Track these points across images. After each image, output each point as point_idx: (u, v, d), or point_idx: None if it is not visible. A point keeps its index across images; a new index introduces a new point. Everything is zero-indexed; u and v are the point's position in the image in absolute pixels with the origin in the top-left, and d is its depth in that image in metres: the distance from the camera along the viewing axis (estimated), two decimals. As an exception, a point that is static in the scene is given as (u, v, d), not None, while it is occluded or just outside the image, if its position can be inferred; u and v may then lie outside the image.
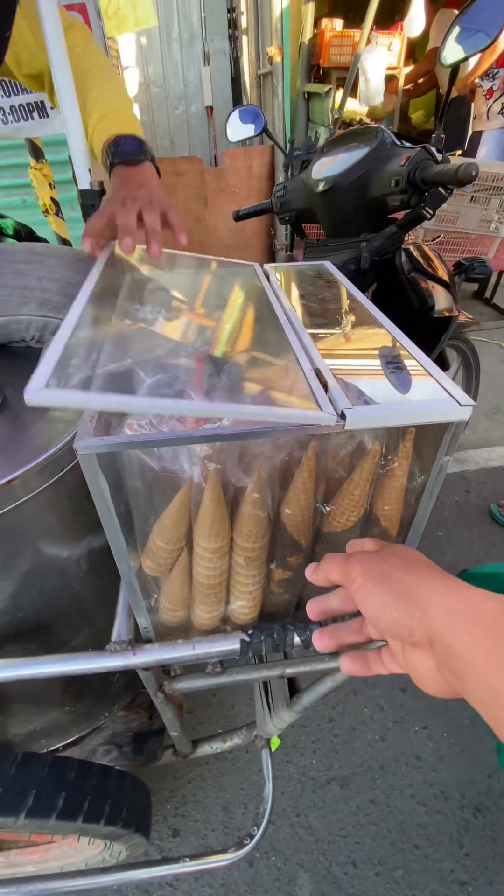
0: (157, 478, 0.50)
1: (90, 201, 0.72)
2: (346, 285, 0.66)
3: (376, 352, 0.48)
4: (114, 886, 0.86)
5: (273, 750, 0.95)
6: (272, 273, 0.70)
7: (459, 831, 1.02)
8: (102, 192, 0.72)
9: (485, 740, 1.16)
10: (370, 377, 0.43)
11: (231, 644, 0.58)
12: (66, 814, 0.64)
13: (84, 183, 0.72)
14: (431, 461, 0.47)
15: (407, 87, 2.95)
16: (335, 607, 0.38)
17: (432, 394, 0.40)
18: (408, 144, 0.97)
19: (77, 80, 0.68)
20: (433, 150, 0.89)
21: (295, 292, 0.67)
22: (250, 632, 0.59)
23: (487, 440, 2.11)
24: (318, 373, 0.42)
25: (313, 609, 0.39)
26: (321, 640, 0.39)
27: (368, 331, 0.54)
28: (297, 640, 0.58)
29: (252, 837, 0.77)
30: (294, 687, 0.84)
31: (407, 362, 0.46)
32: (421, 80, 2.94)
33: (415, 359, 0.45)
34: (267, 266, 0.71)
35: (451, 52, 0.84)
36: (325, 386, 0.40)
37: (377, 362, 0.46)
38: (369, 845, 1.01)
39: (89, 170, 0.71)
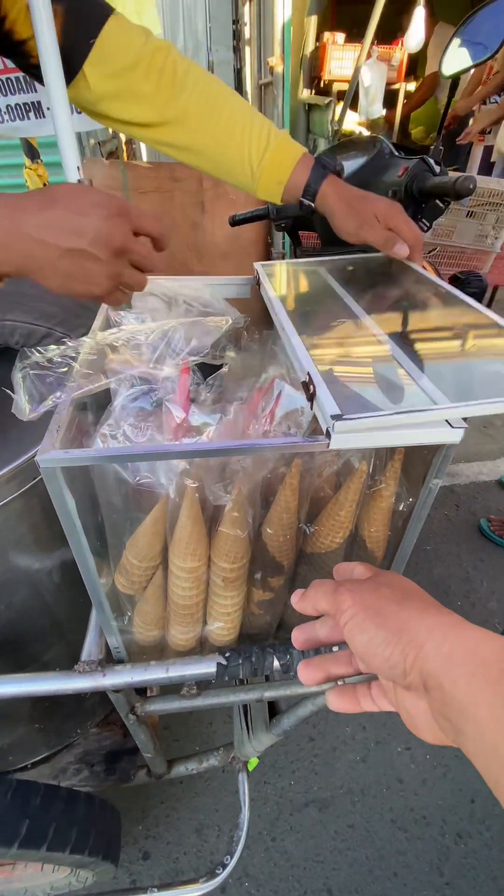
0: (133, 492, 0.48)
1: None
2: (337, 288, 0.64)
3: (370, 358, 0.46)
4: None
5: (251, 769, 0.92)
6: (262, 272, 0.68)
7: (440, 859, 0.99)
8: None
9: (468, 763, 1.13)
10: (362, 384, 0.41)
11: (207, 667, 0.55)
12: (30, 842, 0.60)
13: (73, 181, 0.70)
14: (420, 482, 0.45)
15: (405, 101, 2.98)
16: (322, 636, 0.36)
17: (423, 409, 0.37)
18: (406, 156, 0.96)
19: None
20: (431, 161, 0.88)
21: (284, 290, 0.65)
22: (228, 654, 0.56)
23: (479, 454, 2.11)
24: (306, 383, 0.39)
25: (299, 638, 0.36)
26: (306, 672, 0.36)
27: (365, 334, 0.52)
28: (276, 664, 0.55)
29: (225, 866, 0.73)
30: (274, 708, 0.81)
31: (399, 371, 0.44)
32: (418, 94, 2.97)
33: (405, 371, 0.43)
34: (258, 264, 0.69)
35: (451, 63, 0.83)
36: (312, 395, 0.38)
37: (370, 370, 0.43)
38: (346, 872, 0.98)
39: (78, 167, 0.69)
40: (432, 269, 1.25)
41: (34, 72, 0.66)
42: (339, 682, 0.36)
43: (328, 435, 0.36)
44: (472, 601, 1.50)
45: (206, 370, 0.56)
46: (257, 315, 0.94)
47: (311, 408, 0.41)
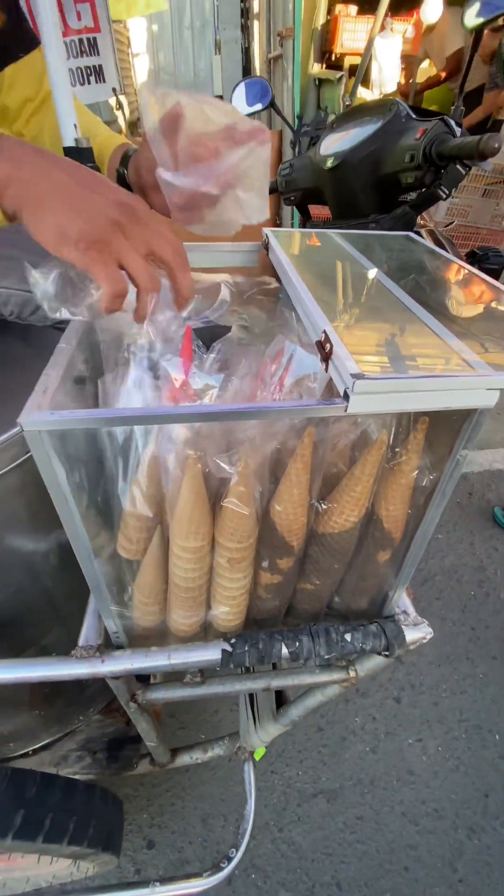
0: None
1: (75, 160, 0.66)
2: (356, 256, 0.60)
3: (395, 322, 0.42)
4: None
5: (257, 759, 0.89)
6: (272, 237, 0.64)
7: (453, 854, 0.96)
8: (90, 150, 0.66)
9: (481, 757, 1.10)
10: (383, 345, 0.37)
11: (212, 653, 0.52)
12: (25, 833, 0.58)
13: (69, 140, 0.65)
14: (444, 456, 0.41)
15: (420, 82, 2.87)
16: None
17: (461, 375, 0.33)
18: (424, 118, 0.90)
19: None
20: (452, 123, 0.83)
21: (297, 253, 0.61)
22: (233, 640, 0.53)
23: (492, 442, 2.05)
24: (321, 342, 0.35)
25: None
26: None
27: (384, 296, 0.47)
28: (285, 651, 0.52)
29: (230, 859, 0.71)
30: (281, 697, 0.78)
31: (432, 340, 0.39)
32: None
33: (433, 332, 0.39)
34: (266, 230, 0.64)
35: (473, 14, 0.78)
36: (328, 355, 0.34)
37: (391, 330, 0.39)
38: (356, 865, 0.95)
39: (74, 125, 0.65)
40: (448, 245, 1.19)
41: None
42: None
43: (346, 397, 0.32)
44: (485, 590, 1.46)
45: (207, 338, 0.52)
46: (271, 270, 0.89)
47: (326, 370, 0.37)
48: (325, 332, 0.37)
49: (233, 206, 0.53)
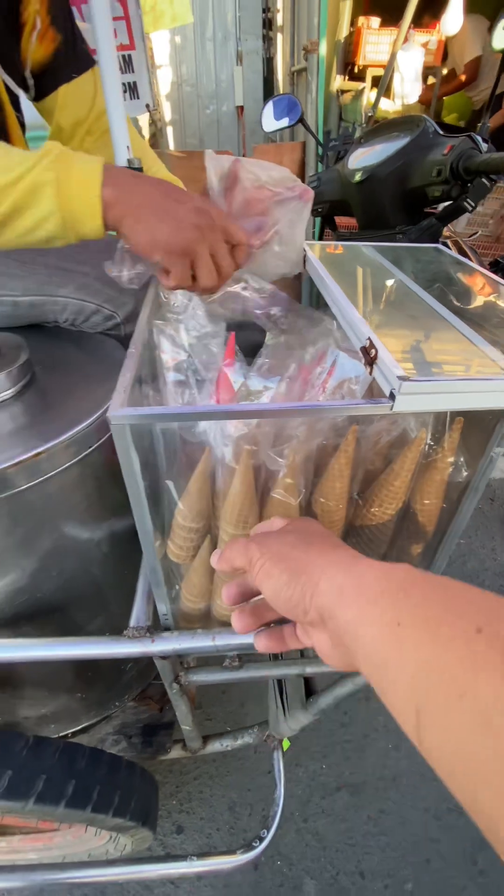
0: (186, 458, 0.49)
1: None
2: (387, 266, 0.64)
3: (431, 330, 0.46)
4: (119, 881, 0.84)
5: (284, 749, 0.93)
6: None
7: (474, 847, 0.98)
8: (140, 171, 0.71)
9: None
10: (423, 351, 0.40)
11: (252, 637, 0.56)
12: (76, 802, 0.62)
13: (122, 160, 0.71)
14: (477, 453, 0.45)
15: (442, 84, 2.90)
16: (253, 586, 0.36)
17: (490, 376, 0.37)
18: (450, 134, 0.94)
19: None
20: (479, 139, 0.86)
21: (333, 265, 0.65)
22: (272, 625, 0.57)
23: (512, 448, 2.06)
24: (366, 348, 0.39)
25: (230, 593, 0.37)
26: (241, 620, 0.37)
27: (420, 305, 0.51)
28: (322, 637, 0.55)
29: (262, 839, 0.74)
30: (309, 688, 0.81)
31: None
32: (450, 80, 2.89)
33: (469, 340, 0.43)
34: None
35: (502, 37, 0.81)
36: (373, 359, 0.38)
37: (430, 337, 0.43)
38: (378, 856, 0.98)
39: (127, 146, 0.70)
40: (472, 254, 1.22)
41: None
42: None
43: (392, 397, 0.36)
44: (506, 594, 1.47)
45: (242, 342, 0.57)
46: (297, 295, 0.94)
47: (370, 373, 0.41)
48: (369, 338, 0.41)
49: (271, 259, 0.60)
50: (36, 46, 0.69)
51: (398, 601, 0.23)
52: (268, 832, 0.75)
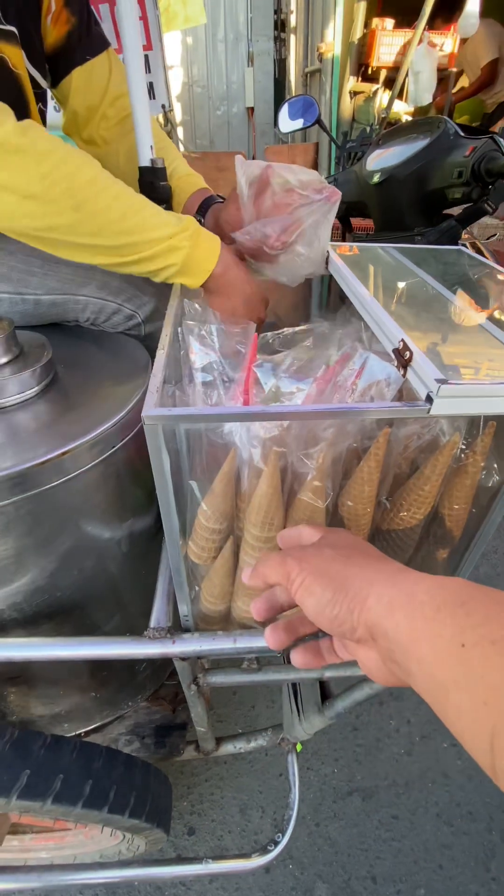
0: (211, 458, 0.48)
1: (149, 178, 0.71)
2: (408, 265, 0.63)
3: (461, 332, 0.45)
4: (134, 882, 0.84)
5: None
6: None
7: (486, 854, 0.97)
8: (163, 170, 0.71)
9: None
10: (457, 353, 0.40)
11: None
12: (93, 802, 0.62)
13: (145, 160, 0.71)
14: (509, 458, 0.44)
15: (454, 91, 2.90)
16: (283, 601, 0.36)
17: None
18: (472, 136, 0.93)
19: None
20: (501, 140, 0.86)
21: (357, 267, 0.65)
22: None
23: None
24: (399, 350, 0.39)
25: (260, 608, 0.37)
26: (274, 636, 0.36)
27: (449, 307, 0.51)
28: (343, 640, 0.55)
29: (277, 843, 0.74)
30: (325, 691, 0.81)
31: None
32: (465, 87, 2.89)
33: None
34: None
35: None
36: (407, 362, 0.37)
37: (464, 339, 0.42)
38: (391, 861, 0.97)
39: (151, 146, 0.70)
40: (490, 256, 1.22)
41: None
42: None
43: (429, 400, 0.35)
44: (519, 600, 1.46)
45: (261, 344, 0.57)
46: (306, 295, 0.94)
47: (404, 375, 0.41)
48: (403, 340, 0.41)
49: (294, 261, 0.62)
50: (50, 30, 0.67)
51: (457, 618, 0.23)
52: (283, 836, 0.74)
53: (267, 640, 0.37)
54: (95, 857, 0.91)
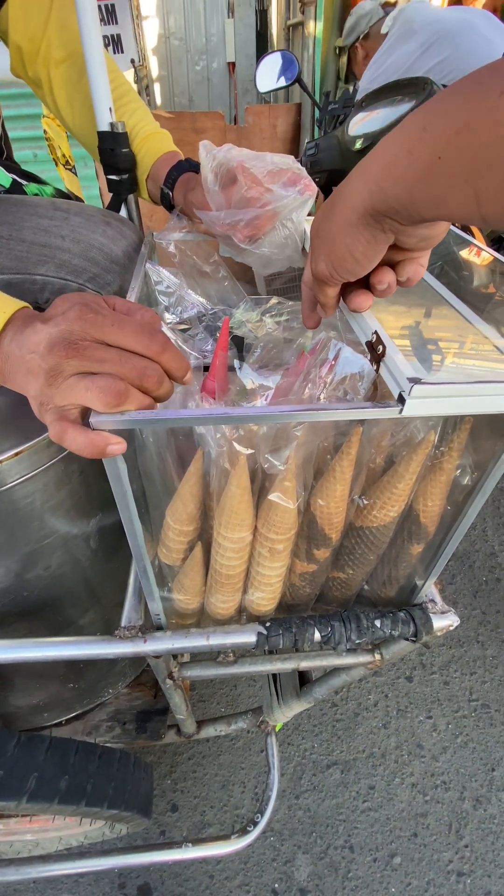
0: (176, 460, 0.46)
1: (109, 145, 0.65)
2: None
3: (438, 318, 0.43)
4: (115, 870, 0.86)
5: (277, 731, 0.94)
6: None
7: (459, 822, 1.01)
8: (125, 135, 0.65)
9: (489, 734, 1.15)
10: (434, 348, 0.38)
11: (247, 636, 0.54)
12: (69, 798, 0.62)
13: (104, 123, 0.65)
14: (487, 455, 0.42)
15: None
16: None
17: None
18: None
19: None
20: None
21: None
22: (268, 624, 0.55)
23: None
24: (372, 343, 0.36)
25: (311, 317, 0.43)
26: (359, 299, 0.38)
27: (431, 297, 0.48)
28: (317, 635, 0.54)
29: (256, 824, 0.76)
30: (303, 676, 0.81)
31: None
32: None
33: (486, 338, 0.40)
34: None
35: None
36: (380, 356, 0.35)
37: (442, 333, 0.40)
38: (367, 831, 1.01)
39: (110, 109, 0.64)
40: (477, 230, 1.17)
41: None
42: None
43: (401, 400, 0.33)
44: (497, 576, 1.49)
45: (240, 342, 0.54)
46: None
47: (377, 370, 0.38)
48: (376, 332, 0.38)
49: (265, 254, 0.58)
50: None
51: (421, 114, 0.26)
52: (262, 816, 0.76)
53: (352, 303, 0.38)
54: (80, 837, 0.93)
